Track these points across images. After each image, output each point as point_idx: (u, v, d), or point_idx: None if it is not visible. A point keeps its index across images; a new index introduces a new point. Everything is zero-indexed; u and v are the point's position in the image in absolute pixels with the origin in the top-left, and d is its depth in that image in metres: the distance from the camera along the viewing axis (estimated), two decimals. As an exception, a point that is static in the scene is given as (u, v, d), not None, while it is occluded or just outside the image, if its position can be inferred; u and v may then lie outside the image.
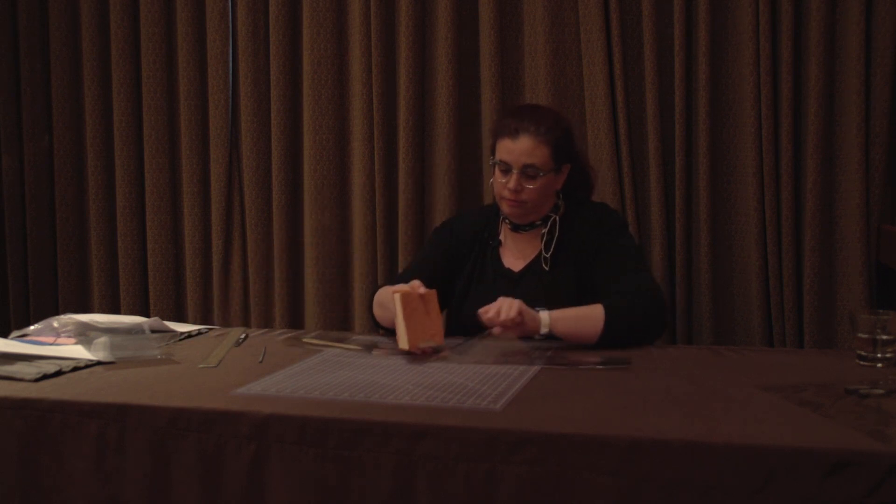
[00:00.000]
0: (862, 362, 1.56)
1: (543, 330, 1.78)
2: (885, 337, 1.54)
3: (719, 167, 2.53)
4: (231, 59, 2.95)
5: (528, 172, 1.94)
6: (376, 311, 2.06)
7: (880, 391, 1.34)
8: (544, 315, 1.79)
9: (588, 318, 1.81)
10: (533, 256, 2.03)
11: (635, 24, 2.56)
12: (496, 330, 1.74)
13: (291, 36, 2.88)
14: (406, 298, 1.72)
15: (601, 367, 1.62)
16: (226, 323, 3.00)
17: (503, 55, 2.67)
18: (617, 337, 1.80)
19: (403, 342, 1.71)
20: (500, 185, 1.98)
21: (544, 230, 2.02)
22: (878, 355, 1.54)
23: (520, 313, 1.74)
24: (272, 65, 2.87)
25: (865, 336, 1.55)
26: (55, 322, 1.95)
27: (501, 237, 2.09)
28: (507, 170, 1.96)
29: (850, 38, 2.36)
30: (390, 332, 1.91)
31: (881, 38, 2.36)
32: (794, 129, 2.44)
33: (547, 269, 1.99)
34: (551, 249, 1.99)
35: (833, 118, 2.42)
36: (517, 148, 1.95)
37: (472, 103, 2.72)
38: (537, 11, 2.62)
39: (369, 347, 1.84)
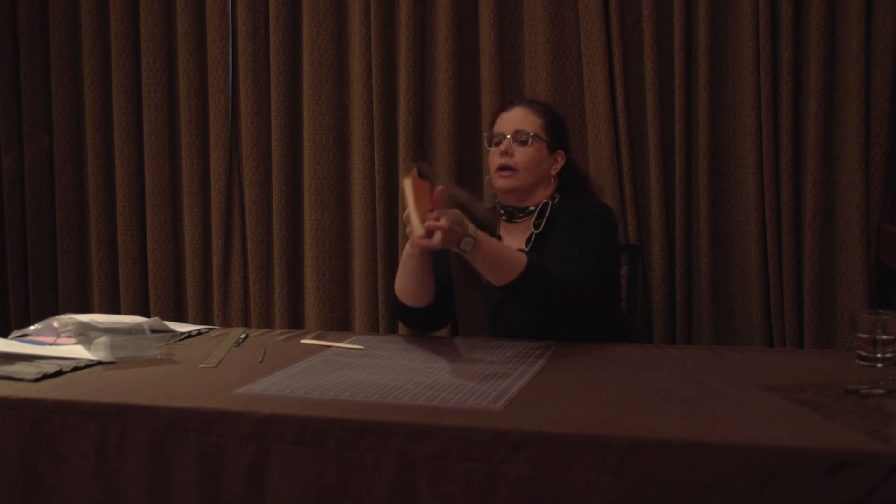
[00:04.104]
0: (862, 362, 1.56)
1: (467, 239, 1.66)
2: (885, 337, 1.53)
3: (719, 167, 2.53)
4: (231, 59, 2.95)
5: (519, 138, 1.98)
6: (398, 283, 1.98)
7: (880, 391, 1.34)
8: (472, 231, 1.68)
9: (510, 260, 1.74)
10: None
11: (635, 24, 2.56)
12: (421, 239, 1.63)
13: (291, 36, 2.88)
14: (414, 182, 1.67)
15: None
16: (226, 323, 3.00)
17: (503, 55, 2.67)
18: (523, 291, 1.73)
19: (417, 226, 1.63)
20: (493, 156, 2.00)
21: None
22: (878, 355, 1.54)
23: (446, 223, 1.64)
24: (272, 65, 2.87)
25: (865, 336, 1.55)
26: (55, 322, 1.95)
27: (499, 232, 2.09)
28: (500, 141, 2.00)
29: (850, 38, 2.36)
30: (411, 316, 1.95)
31: (881, 38, 2.36)
32: (794, 129, 2.44)
33: (530, 249, 1.97)
34: (540, 228, 1.98)
35: (833, 118, 2.42)
36: (510, 116, 2.02)
37: (472, 103, 2.73)
38: (537, 11, 2.62)
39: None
